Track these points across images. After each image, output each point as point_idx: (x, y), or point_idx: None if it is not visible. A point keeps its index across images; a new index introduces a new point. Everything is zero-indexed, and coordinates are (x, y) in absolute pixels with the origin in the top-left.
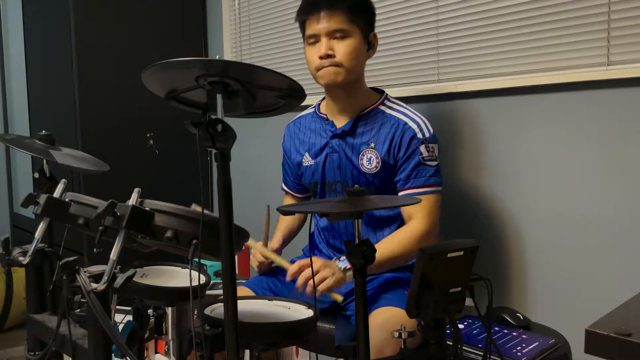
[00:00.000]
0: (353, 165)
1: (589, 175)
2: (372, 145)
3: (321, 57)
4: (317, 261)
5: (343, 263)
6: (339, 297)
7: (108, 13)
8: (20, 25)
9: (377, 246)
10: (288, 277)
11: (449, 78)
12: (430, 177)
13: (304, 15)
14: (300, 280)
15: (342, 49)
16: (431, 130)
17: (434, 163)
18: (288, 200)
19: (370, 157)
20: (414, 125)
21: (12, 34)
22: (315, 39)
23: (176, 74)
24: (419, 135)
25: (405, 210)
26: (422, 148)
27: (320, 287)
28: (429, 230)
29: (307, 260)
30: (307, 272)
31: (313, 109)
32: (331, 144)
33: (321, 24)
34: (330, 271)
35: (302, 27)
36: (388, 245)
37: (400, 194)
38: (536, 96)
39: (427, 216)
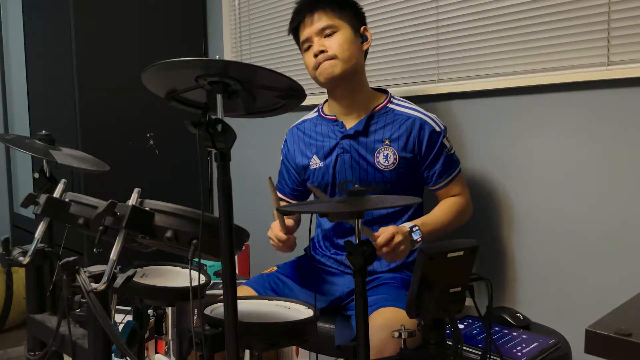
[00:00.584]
0: (368, 164)
1: (588, 175)
2: (387, 142)
3: (315, 55)
4: (398, 232)
5: (416, 235)
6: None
7: (108, 13)
8: (20, 25)
9: (430, 216)
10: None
11: (449, 78)
12: (456, 163)
13: (292, 25)
14: (384, 249)
15: (333, 42)
16: (442, 122)
17: (453, 150)
18: None
19: (387, 154)
20: (430, 121)
21: (12, 34)
22: (308, 42)
23: (176, 74)
24: (437, 129)
25: (444, 196)
26: (445, 141)
27: (392, 256)
28: (469, 200)
29: (391, 232)
30: (388, 244)
31: (316, 113)
32: (341, 144)
33: (308, 27)
34: (407, 245)
35: (296, 38)
36: (442, 215)
37: (436, 187)
38: (536, 96)
39: (464, 191)
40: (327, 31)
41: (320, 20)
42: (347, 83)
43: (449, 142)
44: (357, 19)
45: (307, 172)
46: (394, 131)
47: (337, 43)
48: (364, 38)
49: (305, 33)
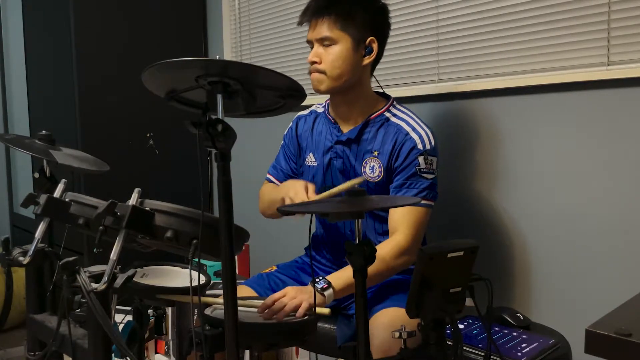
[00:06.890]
0: (356, 173)
1: (588, 175)
2: (376, 153)
3: (310, 63)
4: (292, 289)
5: (320, 284)
6: (325, 310)
7: (108, 13)
8: (20, 25)
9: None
10: (259, 311)
11: (449, 78)
12: (424, 189)
13: (301, 21)
14: (268, 313)
15: (326, 56)
16: (433, 143)
17: (430, 176)
18: (270, 187)
19: (373, 165)
20: (415, 136)
21: (12, 34)
22: (310, 44)
23: (176, 74)
24: (419, 146)
25: (392, 221)
26: (421, 159)
27: (299, 313)
28: (411, 246)
29: (280, 293)
30: (277, 306)
31: (323, 108)
32: (335, 149)
33: (311, 31)
34: (305, 295)
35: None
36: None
37: None
38: (536, 96)
39: (412, 230)
40: (326, 42)
41: (321, 29)
42: (342, 95)
43: (428, 164)
44: (366, 29)
45: (302, 166)
46: (384, 143)
47: (330, 58)
48: (368, 50)
49: (308, 35)
